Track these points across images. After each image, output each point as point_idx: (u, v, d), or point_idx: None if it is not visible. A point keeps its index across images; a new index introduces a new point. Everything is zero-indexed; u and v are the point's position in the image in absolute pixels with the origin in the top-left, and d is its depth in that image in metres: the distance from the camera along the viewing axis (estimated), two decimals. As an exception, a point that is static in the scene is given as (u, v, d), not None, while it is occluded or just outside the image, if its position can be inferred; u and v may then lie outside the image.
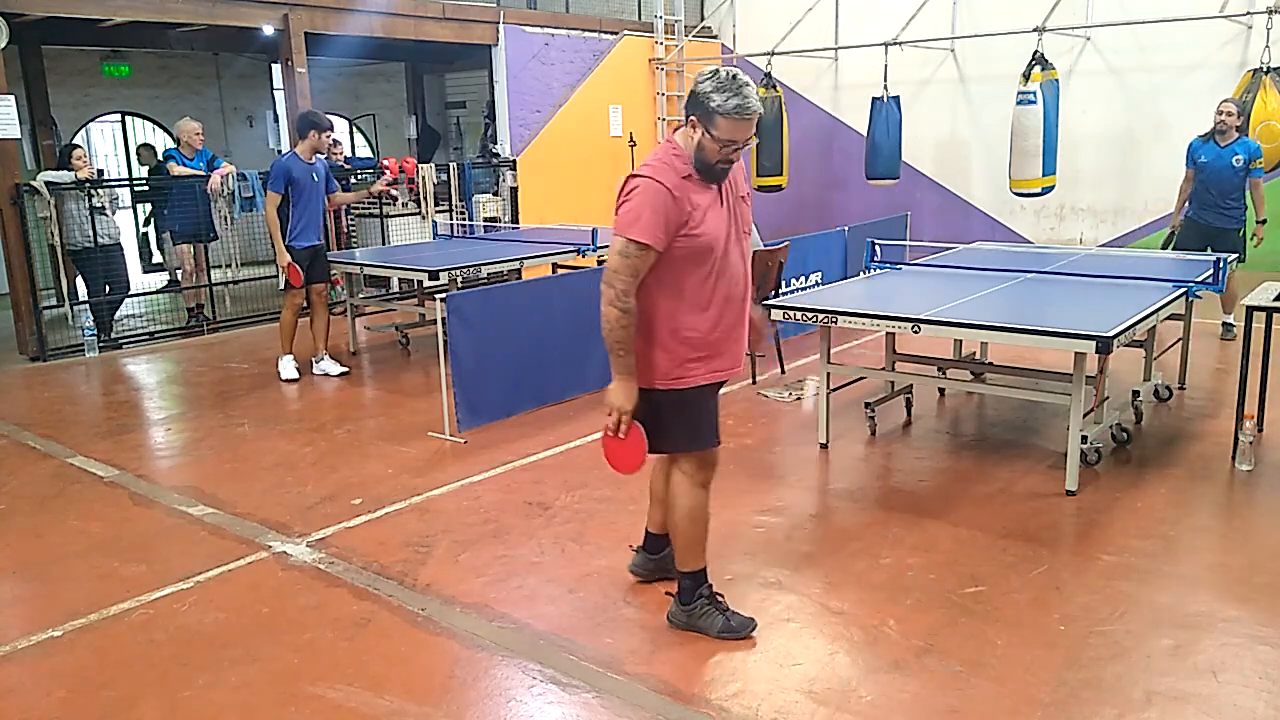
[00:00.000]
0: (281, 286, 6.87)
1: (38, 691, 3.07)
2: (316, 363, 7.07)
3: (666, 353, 2.99)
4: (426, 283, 7.40)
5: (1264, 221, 6.94)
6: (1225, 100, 6.97)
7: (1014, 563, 3.75)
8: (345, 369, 7.08)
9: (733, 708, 2.86)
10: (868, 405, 5.39)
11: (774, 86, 11.70)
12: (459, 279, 7.05)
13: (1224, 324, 7.28)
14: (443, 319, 5.41)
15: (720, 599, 3.28)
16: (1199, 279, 5.17)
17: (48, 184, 7.86)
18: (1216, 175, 6.88)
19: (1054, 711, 2.80)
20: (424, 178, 10.29)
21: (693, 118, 2.87)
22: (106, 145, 14.35)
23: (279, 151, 13.06)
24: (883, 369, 5.57)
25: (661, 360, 2.99)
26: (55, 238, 7.94)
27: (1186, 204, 7.17)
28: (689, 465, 3.15)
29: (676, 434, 3.09)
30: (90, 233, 8.15)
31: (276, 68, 11.81)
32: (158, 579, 3.80)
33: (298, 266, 6.65)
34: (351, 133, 15.01)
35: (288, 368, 6.93)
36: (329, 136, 7.19)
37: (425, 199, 10.31)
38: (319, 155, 6.89)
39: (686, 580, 3.26)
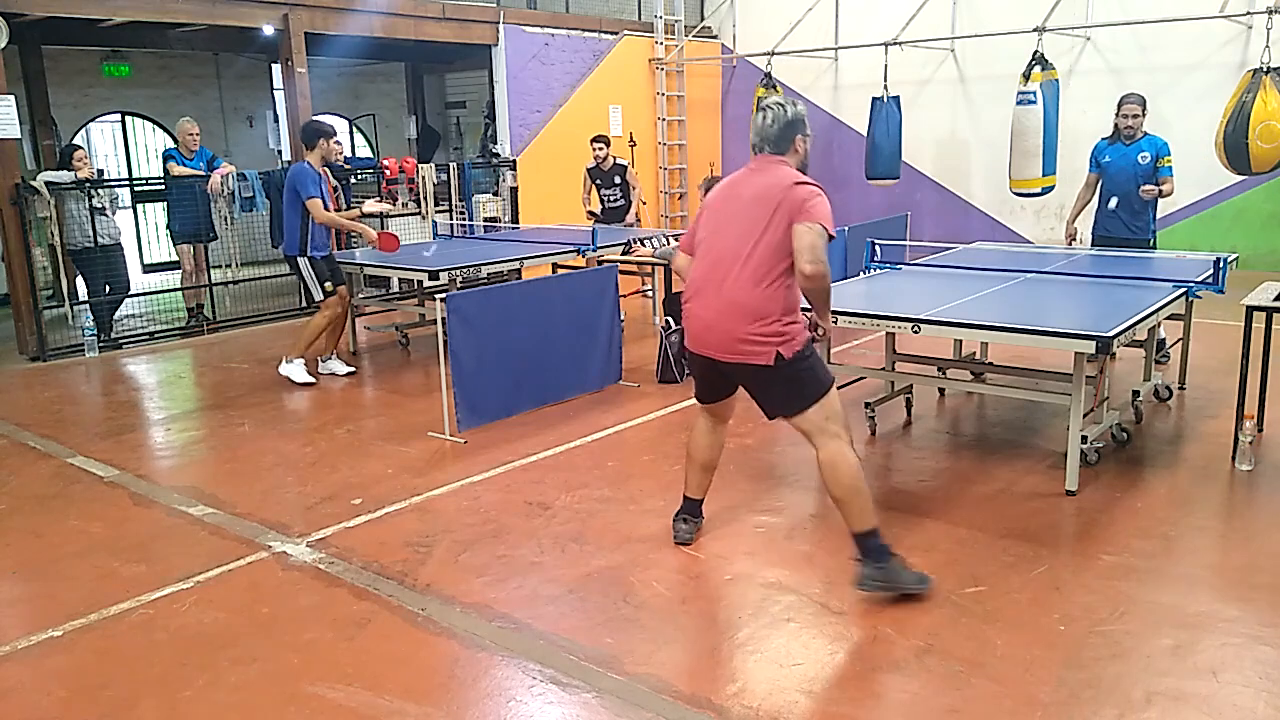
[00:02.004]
0: (320, 297, 6.80)
1: (38, 691, 3.07)
2: (324, 362, 7.05)
3: (796, 322, 3.49)
4: (426, 283, 7.41)
5: (1159, 193, 6.35)
6: (1128, 99, 6.47)
7: (1014, 563, 3.75)
8: (352, 369, 7.08)
9: (733, 708, 2.86)
10: (868, 405, 5.39)
11: (774, 86, 11.70)
12: (459, 279, 7.05)
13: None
14: (443, 319, 5.41)
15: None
16: (1199, 279, 5.17)
17: (48, 184, 7.86)
18: (1124, 176, 6.38)
19: (1054, 711, 2.80)
20: (424, 178, 10.29)
21: (798, 136, 3.57)
22: (106, 145, 14.35)
23: (278, 152, 13.08)
24: (883, 369, 5.57)
25: (794, 329, 3.47)
26: (55, 238, 7.94)
27: (1079, 215, 6.75)
28: (834, 424, 3.45)
29: (813, 383, 3.48)
30: (90, 233, 8.15)
31: (276, 68, 11.81)
32: (158, 579, 3.80)
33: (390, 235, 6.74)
34: (351, 133, 15.00)
35: (301, 372, 6.83)
36: (337, 143, 7.19)
37: (425, 199, 10.31)
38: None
39: (873, 540, 3.45)
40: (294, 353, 6.87)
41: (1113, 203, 6.49)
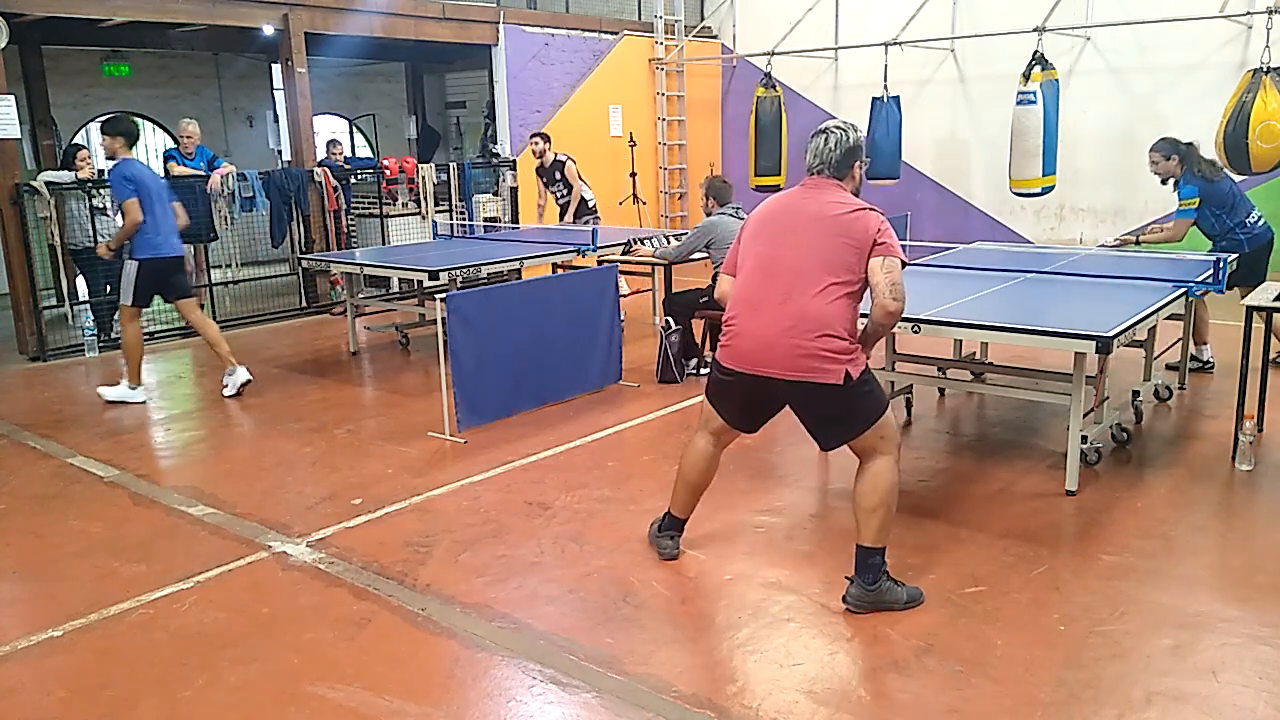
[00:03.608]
0: (126, 302, 6.23)
1: (38, 691, 3.07)
2: (228, 376, 6.56)
3: (856, 344, 3.41)
4: (426, 283, 7.41)
5: (1135, 242, 6.47)
6: (1151, 148, 6.33)
7: (1014, 563, 3.75)
8: (248, 378, 6.59)
9: (733, 708, 2.86)
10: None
11: (774, 86, 11.70)
12: (459, 279, 7.05)
13: (1192, 357, 6.34)
14: (443, 319, 5.41)
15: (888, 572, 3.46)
16: (1199, 279, 5.17)
17: (48, 184, 7.86)
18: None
19: (1054, 711, 2.80)
20: (424, 178, 10.29)
21: (857, 162, 3.58)
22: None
23: (278, 152, 13.09)
24: (882, 369, 5.56)
25: (858, 349, 3.41)
26: (55, 238, 7.94)
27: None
28: (889, 444, 3.41)
29: (873, 407, 3.42)
30: (91, 233, 8.15)
31: (276, 68, 11.81)
32: (158, 579, 3.80)
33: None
34: (351, 133, 15.01)
35: (119, 391, 6.37)
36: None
37: (425, 199, 10.31)
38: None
39: (876, 559, 3.37)
40: (130, 379, 6.42)
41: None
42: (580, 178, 9.32)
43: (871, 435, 3.39)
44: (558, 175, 9.20)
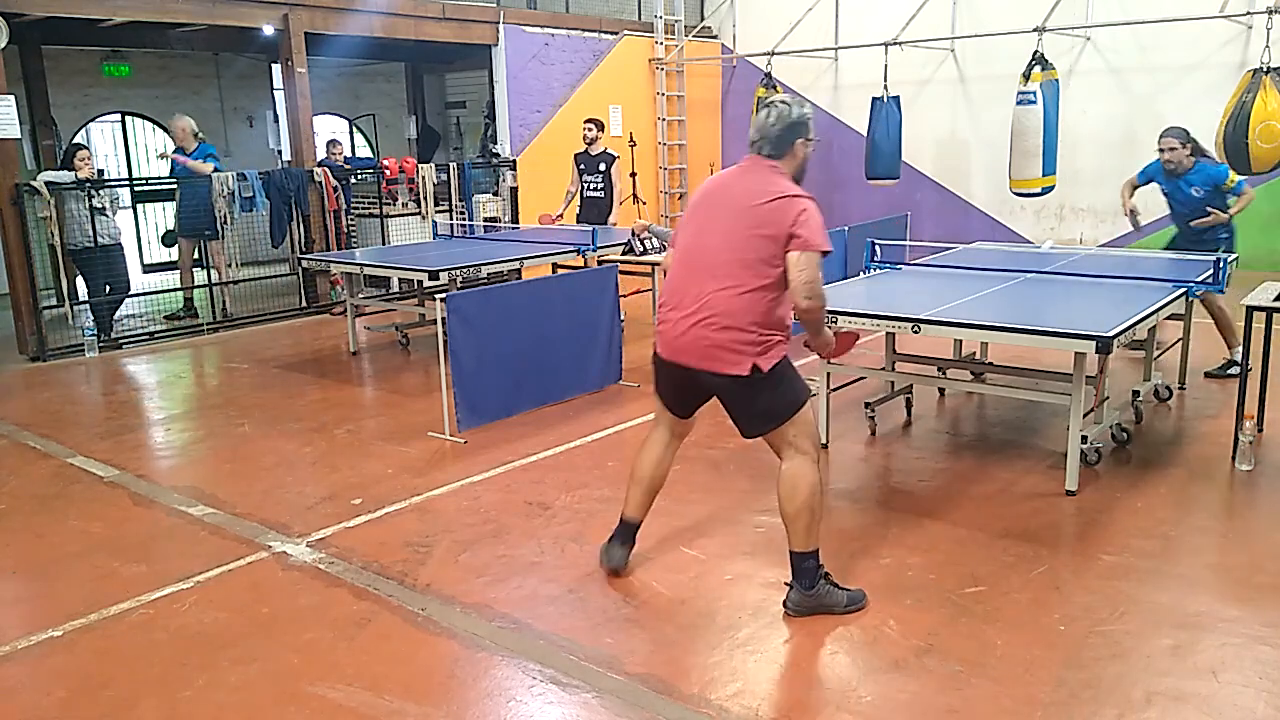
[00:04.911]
0: None
1: (38, 691, 3.07)
2: None
3: (777, 336, 3.35)
4: (426, 283, 7.40)
5: (1227, 218, 6.30)
6: (1164, 134, 6.29)
7: (1014, 563, 3.75)
8: None
9: (733, 708, 2.86)
10: (868, 405, 5.39)
11: (774, 86, 11.70)
12: (459, 279, 7.05)
13: (1228, 360, 6.30)
14: (443, 319, 5.41)
15: (828, 574, 3.42)
16: (1199, 279, 5.17)
17: (48, 184, 7.86)
18: (1181, 207, 6.35)
19: (1054, 711, 2.80)
20: (424, 178, 10.29)
21: (799, 140, 3.41)
22: (106, 145, 14.35)
23: (278, 152, 13.08)
24: (883, 369, 5.57)
25: (773, 341, 3.33)
26: (55, 238, 7.94)
27: (1132, 196, 6.65)
28: (804, 441, 3.35)
29: (785, 401, 3.35)
30: (90, 233, 8.15)
31: (276, 68, 11.80)
32: (158, 579, 3.80)
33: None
34: (351, 133, 15.01)
35: None
36: None
37: (425, 199, 10.31)
38: None
39: (810, 562, 3.35)
40: None
41: (1175, 224, 6.50)
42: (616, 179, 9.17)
43: (786, 430, 3.34)
44: (602, 166, 8.98)
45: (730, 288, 3.28)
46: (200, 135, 9.26)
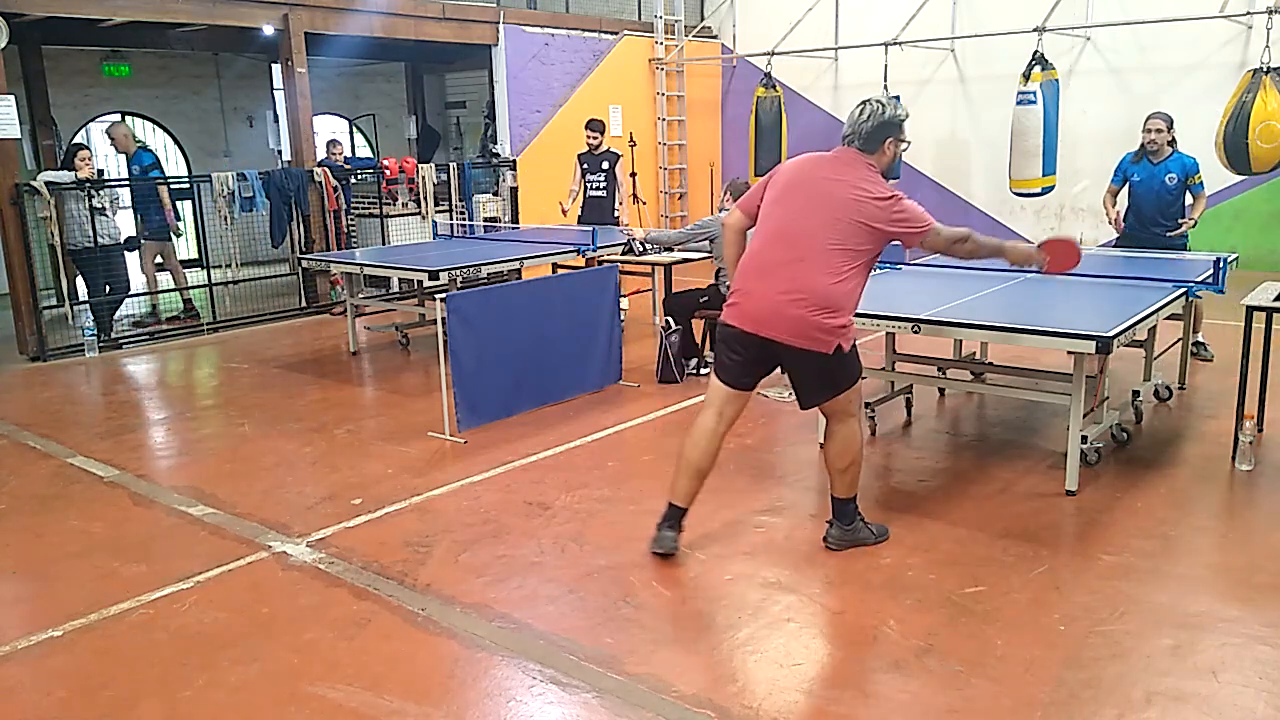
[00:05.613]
0: None
1: (38, 691, 3.07)
2: None
3: (853, 319, 3.74)
4: (426, 283, 7.41)
5: (1194, 224, 6.51)
6: (1153, 116, 6.48)
7: (1014, 563, 3.75)
8: None
9: (733, 708, 2.86)
10: (868, 405, 5.38)
11: (774, 86, 11.70)
12: (459, 279, 7.05)
13: (1195, 343, 6.56)
14: (443, 319, 5.41)
15: (861, 515, 3.94)
16: (1199, 279, 5.17)
17: (48, 184, 7.86)
18: (1151, 195, 6.47)
19: (1054, 711, 2.80)
20: (424, 178, 10.29)
21: (890, 139, 3.71)
22: (106, 145, 14.34)
23: (278, 152, 13.08)
24: (883, 369, 5.56)
25: (852, 324, 3.72)
26: (55, 238, 7.94)
27: (1122, 216, 6.73)
28: (854, 407, 3.81)
29: (849, 374, 3.77)
30: (90, 233, 8.15)
31: (276, 68, 11.80)
32: (158, 579, 3.80)
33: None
34: (351, 133, 15.01)
35: None
36: None
37: (425, 199, 10.31)
38: None
39: (851, 505, 3.89)
40: None
41: (1137, 219, 6.58)
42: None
43: (844, 399, 3.76)
44: (605, 165, 9.03)
45: (828, 274, 3.57)
46: (140, 141, 9.24)
